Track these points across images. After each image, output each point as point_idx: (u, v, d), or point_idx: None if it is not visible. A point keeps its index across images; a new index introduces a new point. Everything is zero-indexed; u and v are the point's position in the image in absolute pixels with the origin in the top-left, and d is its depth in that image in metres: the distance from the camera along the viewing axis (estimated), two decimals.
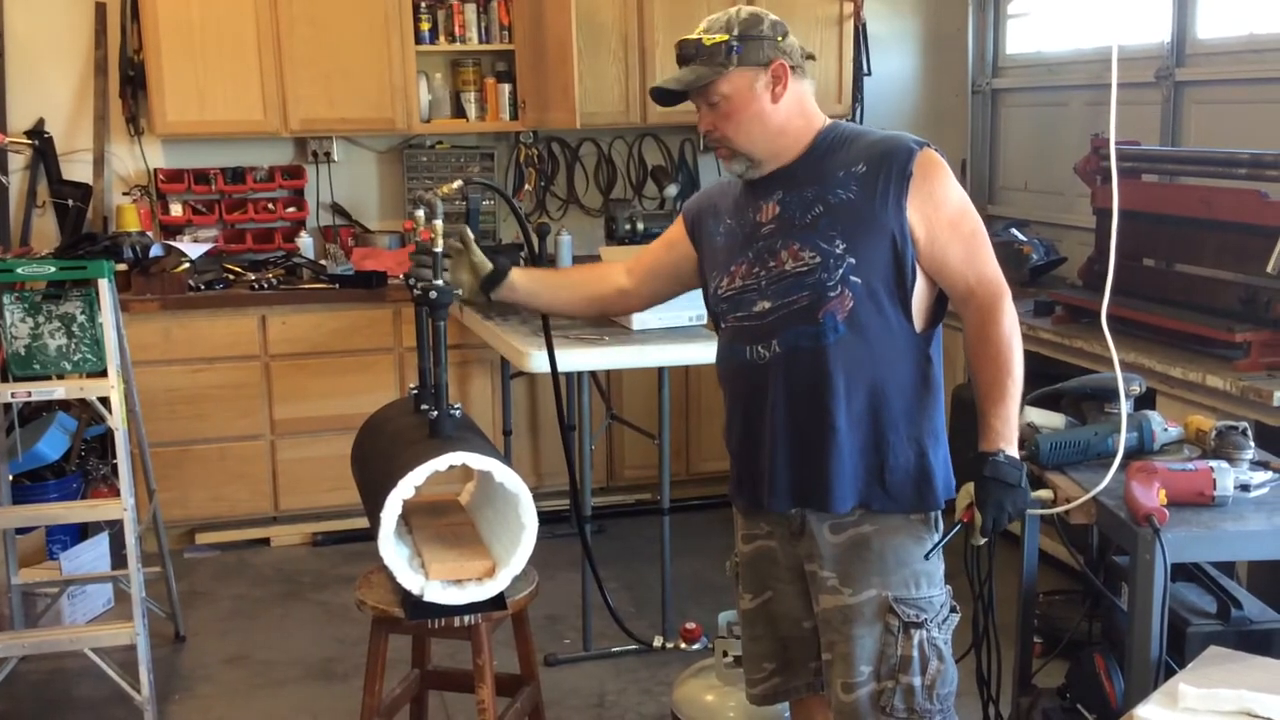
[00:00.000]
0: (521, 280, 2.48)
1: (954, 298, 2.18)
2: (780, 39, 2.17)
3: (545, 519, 3.07)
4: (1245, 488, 2.37)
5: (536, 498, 2.51)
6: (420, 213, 2.53)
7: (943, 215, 2.12)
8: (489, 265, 2.47)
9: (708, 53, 2.14)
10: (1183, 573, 2.63)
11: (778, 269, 2.17)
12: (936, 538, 2.18)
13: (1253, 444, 2.51)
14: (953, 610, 2.23)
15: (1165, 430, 2.63)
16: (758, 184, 2.24)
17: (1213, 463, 2.37)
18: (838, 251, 2.11)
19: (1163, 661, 2.24)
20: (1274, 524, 2.29)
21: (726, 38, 2.13)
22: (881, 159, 2.13)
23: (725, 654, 2.81)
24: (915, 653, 2.16)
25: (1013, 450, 2.11)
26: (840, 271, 2.11)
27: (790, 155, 2.19)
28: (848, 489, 2.17)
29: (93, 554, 3.99)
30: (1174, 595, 2.45)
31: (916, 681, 2.16)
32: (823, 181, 2.16)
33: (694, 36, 2.17)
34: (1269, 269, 3.20)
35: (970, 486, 2.11)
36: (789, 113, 2.17)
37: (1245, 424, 2.55)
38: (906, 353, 2.16)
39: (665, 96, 2.20)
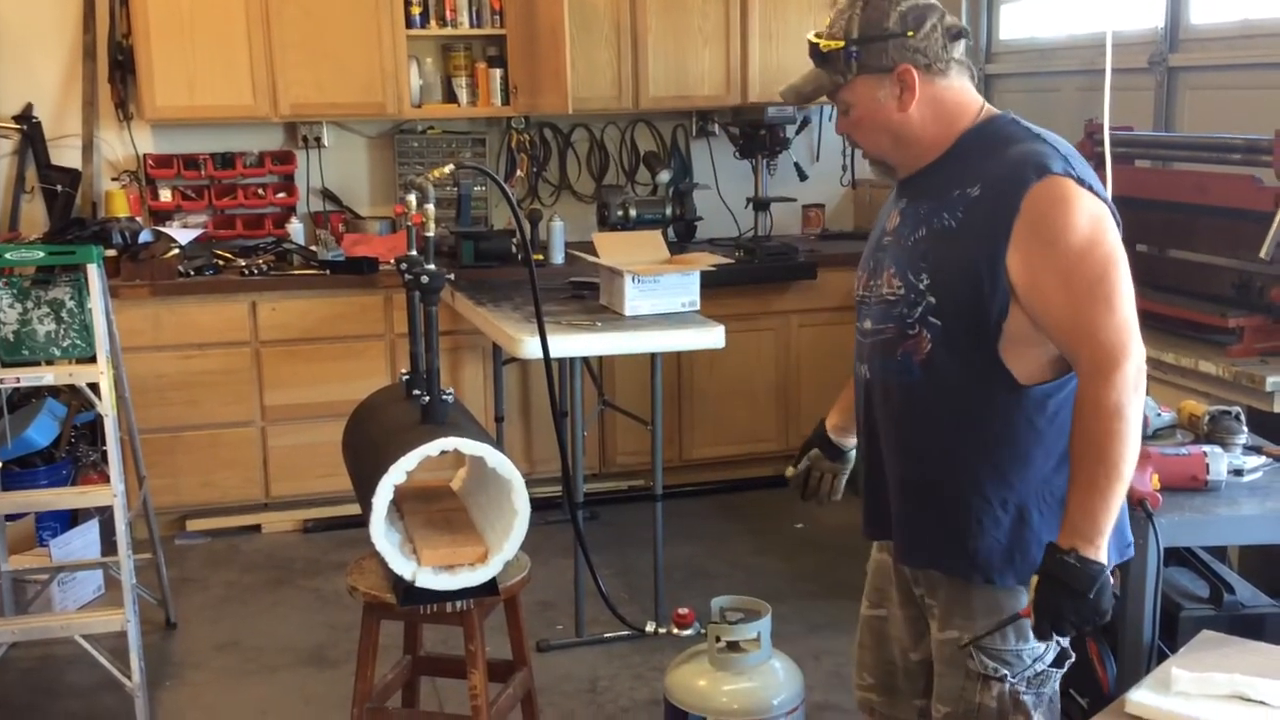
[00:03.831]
0: (843, 418, 2.32)
1: (1063, 354, 1.87)
2: (911, 34, 1.90)
3: (538, 505, 3.05)
4: (1238, 472, 2.38)
5: (529, 484, 2.50)
6: (412, 197, 2.52)
7: (1050, 261, 1.82)
8: (847, 460, 2.36)
9: (827, 59, 1.95)
10: (1175, 557, 2.64)
11: (878, 289, 2.01)
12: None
13: (1246, 429, 2.51)
14: (1055, 664, 2.00)
15: (1158, 415, 2.64)
16: (898, 184, 2.08)
17: (1206, 447, 2.38)
18: (920, 287, 1.91)
19: (1155, 646, 2.24)
20: (1266, 508, 2.30)
21: (843, 44, 1.92)
22: (996, 185, 1.86)
23: (718, 639, 2.80)
24: (994, 704, 1.98)
25: (1092, 552, 1.79)
26: (919, 310, 1.91)
27: (925, 161, 1.98)
28: (916, 546, 2.01)
29: (83, 540, 3.98)
30: (1167, 580, 2.45)
31: None
32: (937, 198, 1.93)
33: (812, 39, 1.97)
34: (1262, 254, 3.19)
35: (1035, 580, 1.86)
36: (922, 120, 1.94)
37: (1238, 409, 2.55)
38: (1005, 408, 1.90)
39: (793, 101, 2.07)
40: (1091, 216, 1.83)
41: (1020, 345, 1.89)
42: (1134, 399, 1.80)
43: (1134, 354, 1.81)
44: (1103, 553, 1.81)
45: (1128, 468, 1.81)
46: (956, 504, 1.94)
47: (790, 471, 2.41)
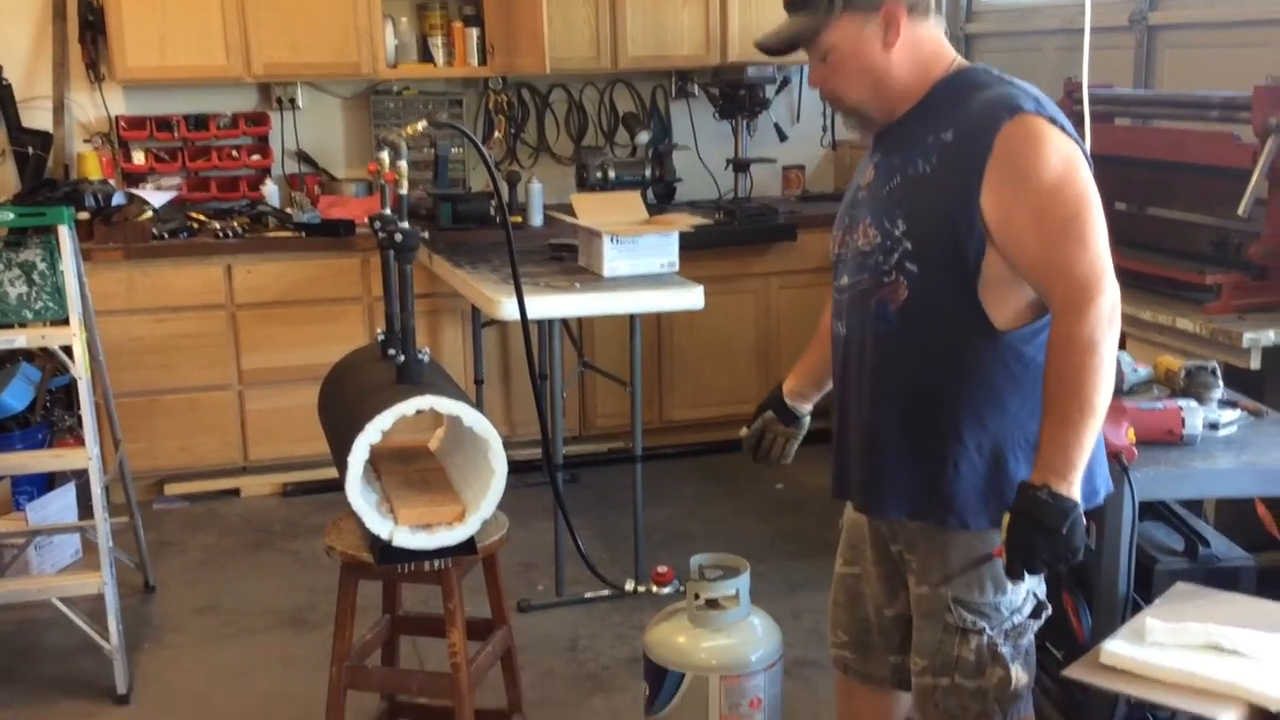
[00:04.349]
0: (802, 383, 2.36)
1: (1038, 294, 1.87)
2: None
3: (518, 469, 3.04)
4: (1214, 426, 2.39)
5: (509, 447, 2.49)
6: (385, 154, 2.49)
7: (1023, 199, 1.81)
8: (801, 425, 2.39)
9: (808, 3, 1.95)
10: (1151, 512, 2.65)
11: (854, 243, 2.01)
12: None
13: (1221, 383, 2.52)
14: (1032, 616, 2.02)
15: (1135, 371, 2.65)
16: (874, 140, 2.08)
17: (1182, 402, 2.39)
18: (896, 233, 1.91)
19: (1130, 598, 2.26)
20: (1241, 462, 2.31)
21: None
22: (968, 128, 1.86)
23: (697, 596, 2.80)
24: (972, 656, 1.99)
25: (1065, 488, 1.78)
26: (896, 256, 1.91)
27: (899, 111, 1.97)
28: (889, 497, 2.00)
29: (59, 505, 3.95)
30: (1142, 534, 2.47)
31: (970, 684, 2.00)
32: (911, 147, 1.93)
33: None
34: (1240, 211, 3.19)
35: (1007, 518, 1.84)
36: (901, 64, 1.93)
37: (1214, 364, 2.56)
38: (981, 352, 1.90)
39: (773, 48, 2.03)
40: (1063, 155, 1.84)
41: (997, 289, 1.89)
42: (1108, 334, 1.79)
43: (1108, 290, 1.81)
44: (1075, 489, 1.80)
45: (1101, 403, 1.79)
46: (933, 449, 1.94)
47: (744, 432, 2.43)
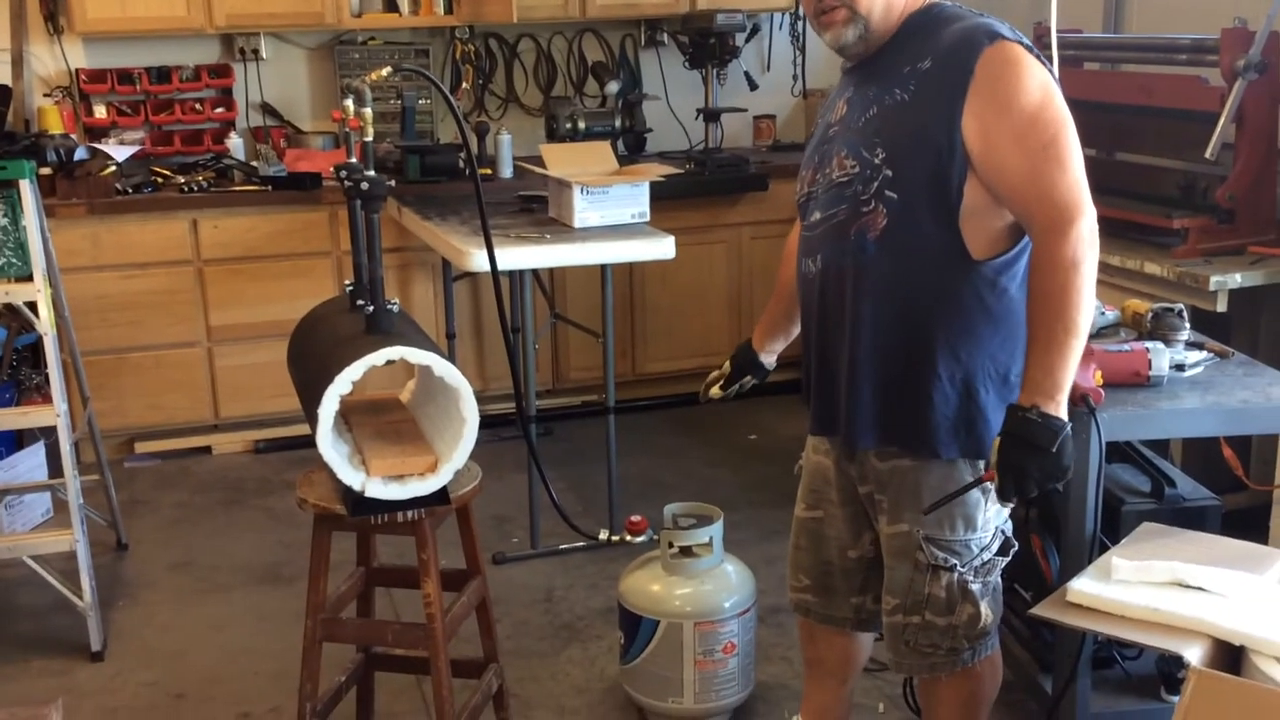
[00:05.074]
0: (771, 339, 2.49)
1: (1018, 220, 1.89)
2: None
3: (492, 422, 3.04)
4: (1180, 367, 2.41)
5: (482, 401, 2.48)
6: (349, 102, 2.45)
7: (1005, 123, 1.83)
8: (764, 371, 2.53)
9: None
10: (1118, 454, 2.68)
11: (828, 177, 2.01)
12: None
13: (1188, 325, 2.54)
14: (1000, 553, 2.06)
15: (1102, 314, 2.66)
16: (842, 78, 2.09)
17: (1149, 344, 2.40)
18: (875, 162, 1.92)
19: (1097, 538, 2.28)
20: (1207, 402, 2.33)
21: None
22: (947, 55, 1.88)
23: (671, 545, 2.82)
24: (943, 593, 2.03)
25: (1053, 408, 1.82)
26: (875, 185, 1.92)
27: (878, 41, 1.97)
28: (865, 427, 2.02)
29: (29, 464, 3.92)
30: (1109, 476, 2.50)
31: (940, 621, 2.04)
32: (887, 78, 1.95)
33: None
34: (1207, 154, 3.21)
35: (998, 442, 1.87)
36: None
37: (1181, 306, 2.58)
38: (957, 282, 1.93)
39: None
40: (1040, 80, 1.87)
41: (975, 218, 1.91)
42: (1089, 255, 1.83)
43: (1087, 212, 1.84)
44: (1063, 409, 1.84)
45: (1084, 322, 1.83)
46: (907, 379, 1.98)
47: (716, 393, 2.52)
